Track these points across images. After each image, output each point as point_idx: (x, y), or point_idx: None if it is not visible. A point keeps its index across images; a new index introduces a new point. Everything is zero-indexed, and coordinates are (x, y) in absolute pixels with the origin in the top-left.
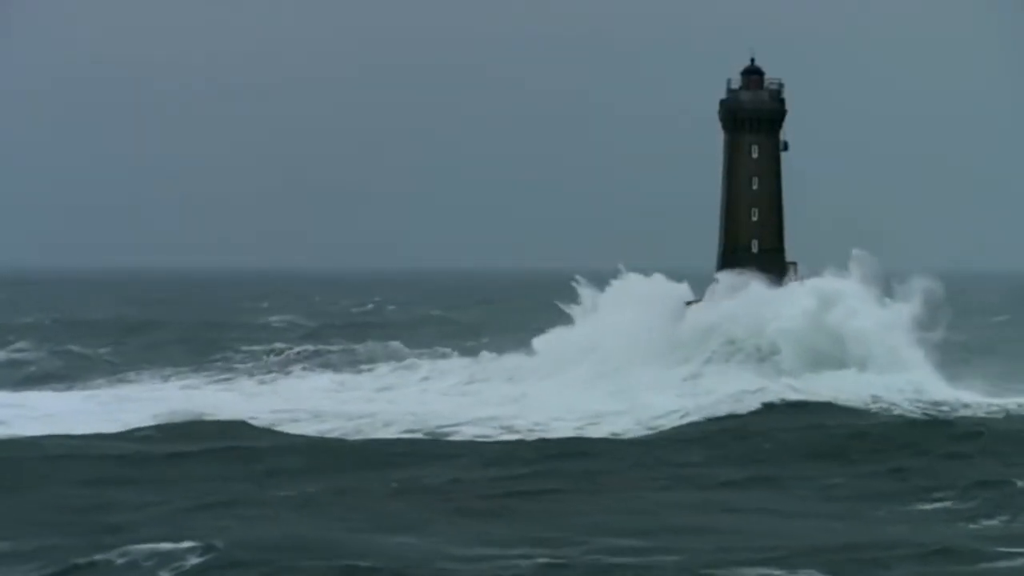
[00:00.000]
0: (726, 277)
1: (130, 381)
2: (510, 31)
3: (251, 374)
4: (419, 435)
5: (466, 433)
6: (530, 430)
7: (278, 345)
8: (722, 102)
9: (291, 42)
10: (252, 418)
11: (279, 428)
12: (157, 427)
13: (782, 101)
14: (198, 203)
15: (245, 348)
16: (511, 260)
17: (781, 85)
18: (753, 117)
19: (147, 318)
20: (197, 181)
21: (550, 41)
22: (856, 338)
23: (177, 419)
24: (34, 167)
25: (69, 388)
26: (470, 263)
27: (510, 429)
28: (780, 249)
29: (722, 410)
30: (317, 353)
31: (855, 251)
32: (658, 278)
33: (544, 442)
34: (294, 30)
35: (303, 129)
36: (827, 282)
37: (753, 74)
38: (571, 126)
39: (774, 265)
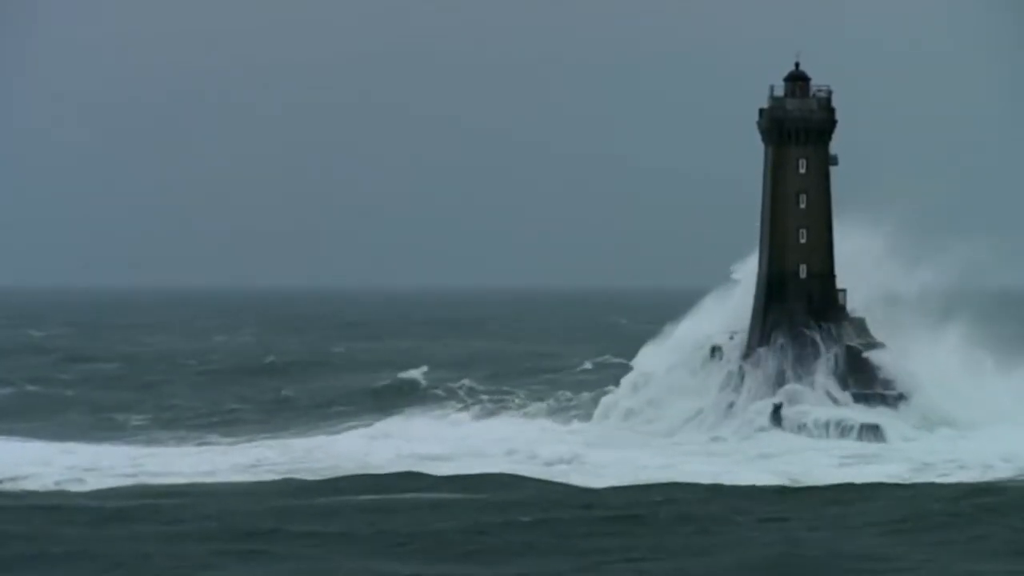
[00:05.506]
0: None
1: None
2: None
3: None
4: None
5: None
6: None
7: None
8: (764, 111)
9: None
10: None
11: None
12: None
13: (832, 110)
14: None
15: None
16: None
17: (830, 92)
18: (800, 128)
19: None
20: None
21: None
22: None
23: None
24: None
25: None
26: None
27: None
28: (831, 275)
29: None
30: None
31: None
32: None
33: None
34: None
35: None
36: None
37: (798, 80)
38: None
39: (824, 293)
